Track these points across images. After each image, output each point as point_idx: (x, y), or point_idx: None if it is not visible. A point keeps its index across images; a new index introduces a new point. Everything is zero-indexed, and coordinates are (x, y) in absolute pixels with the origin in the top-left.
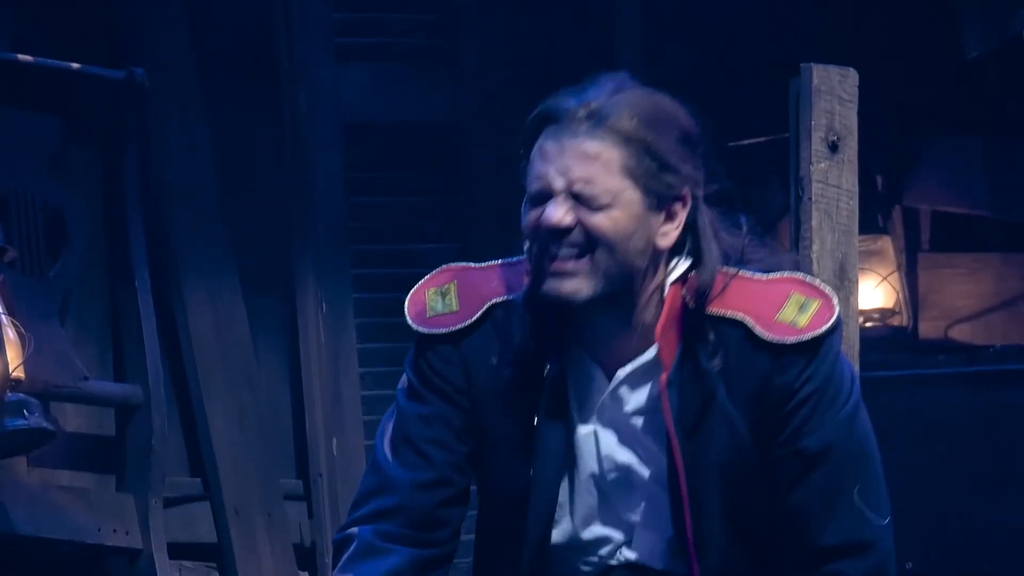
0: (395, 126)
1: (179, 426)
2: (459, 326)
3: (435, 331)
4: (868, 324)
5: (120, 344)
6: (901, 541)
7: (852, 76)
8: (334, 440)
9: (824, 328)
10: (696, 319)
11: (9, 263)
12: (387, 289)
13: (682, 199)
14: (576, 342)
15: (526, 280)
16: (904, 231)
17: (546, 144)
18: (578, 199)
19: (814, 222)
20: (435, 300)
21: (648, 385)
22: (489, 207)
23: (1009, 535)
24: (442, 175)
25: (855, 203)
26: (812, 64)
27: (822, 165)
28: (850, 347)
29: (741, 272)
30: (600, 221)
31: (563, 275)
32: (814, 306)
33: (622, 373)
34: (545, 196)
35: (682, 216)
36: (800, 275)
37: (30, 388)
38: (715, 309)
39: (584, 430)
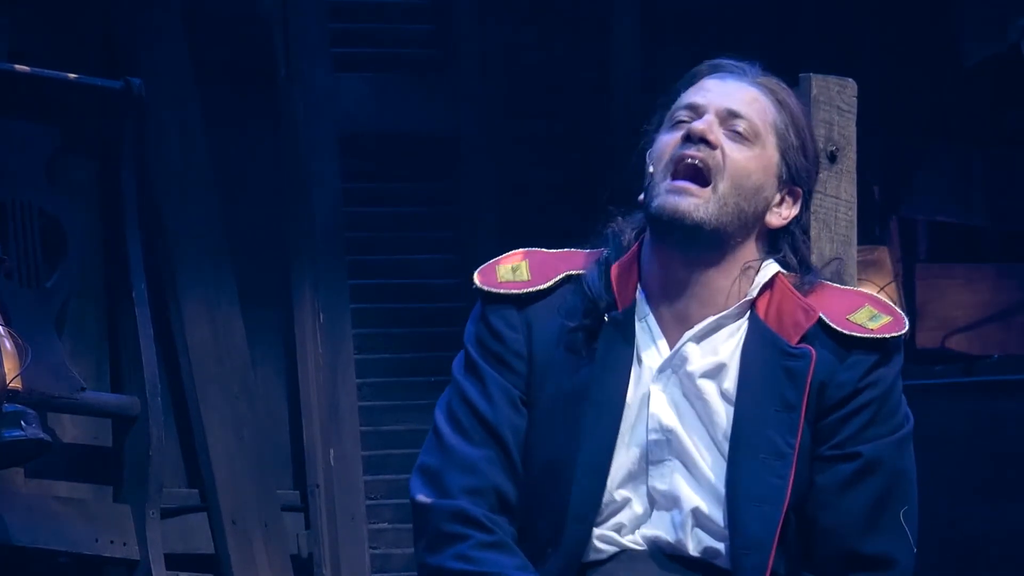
0: (392, 136)
1: (176, 437)
2: (529, 289)
3: (504, 291)
4: None
5: (117, 355)
6: None
7: (851, 86)
8: (331, 451)
9: (894, 334)
10: (791, 300)
11: (6, 274)
12: (384, 300)
13: (799, 193)
14: (646, 299)
15: (598, 259)
16: (901, 241)
17: (708, 81)
18: (728, 124)
19: (812, 232)
20: (506, 271)
21: (716, 350)
22: (487, 217)
23: (1006, 545)
24: (440, 185)
25: (853, 213)
26: (810, 74)
27: (820, 175)
28: None
29: (821, 280)
30: (738, 151)
31: (684, 193)
32: (885, 319)
33: (691, 332)
34: (696, 111)
35: (794, 208)
36: (876, 295)
37: (27, 399)
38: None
39: (638, 391)
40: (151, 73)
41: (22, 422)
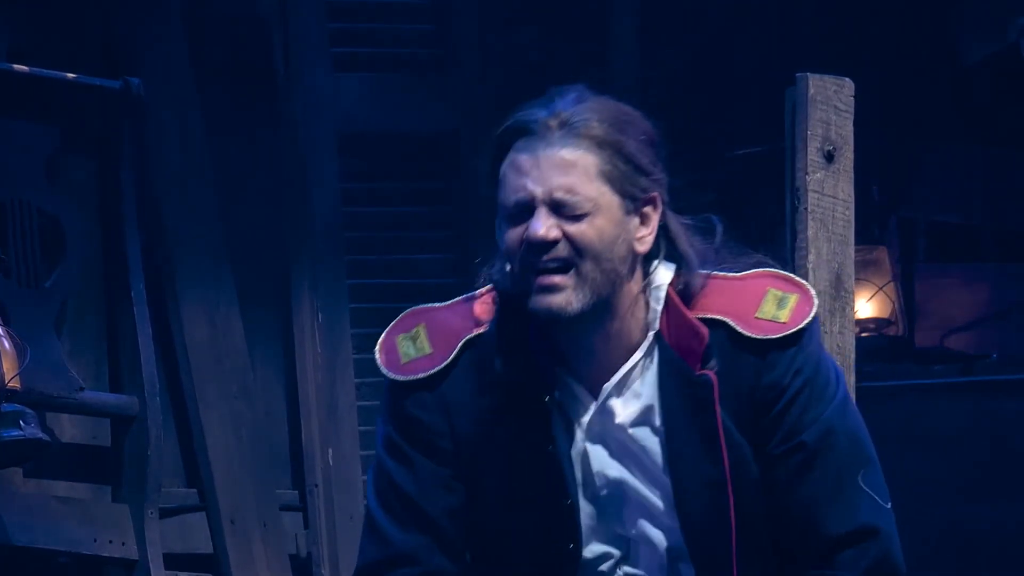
0: (391, 136)
1: (175, 437)
2: (436, 369)
3: (412, 377)
4: (864, 334)
5: (116, 354)
6: None
7: (848, 86)
8: (330, 450)
9: (807, 320)
10: (684, 321)
11: (5, 273)
12: (383, 299)
13: (653, 201)
14: (556, 364)
15: (495, 312)
16: (900, 241)
17: (519, 157)
18: (559, 210)
19: (810, 232)
20: (406, 345)
21: (638, 395)
22: (486, 217)
23: (1005, 544)
24: (438, 185)
25: (851, 213)
26: (808, 74)
27: (818, 175)
28: (846, 357)
29: (715, 273)
30: (584, 230)
31: (551, 289)
32: (792, 300)
33: (609, 385)
34: (525, 209)
35: (655, 220)
36: (773, 270)
37: (26, 398)
38: (697, 313)
39: (574, 450)
40: (151, 73)
41: (21, 422)
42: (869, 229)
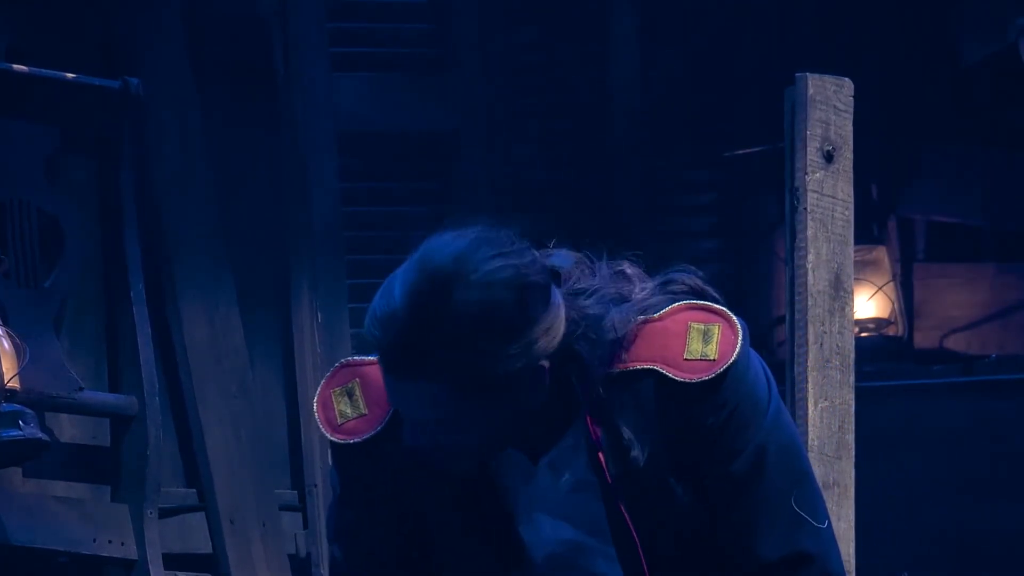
0: (391, 135)
1: (174, 437)
2: (371, 433)
3: (349, 441)
4: (863, 334)
5: (115, 354)
6: (896, 550)
7: (847, 86)
8: (329, 451)
9: (736, 354)
10: (604, 389)
11: (4, 273)
12: None
13: (532, 372)
14: None
15: None
16: (899, 241)
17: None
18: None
19: (809, 232)
20: (343, 402)
21: (574, 464)
22: (486, 217)
23: (1004, 544)
24: (438, 184)
25: (850, 213)
26: (807, 74)
27: (817, 175)
28: (846, 357)
29: (635, 318)
30: (465, 443)
31: (450, 460)
32: (716, 331)
33: (546, 459)
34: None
35: (543, 374)
36: (689, 300)
37: (25, 399)
38: (628, 365)
39: (519, 511)
40: (150, 73)
41: (20, 422)
42: (868, 229)
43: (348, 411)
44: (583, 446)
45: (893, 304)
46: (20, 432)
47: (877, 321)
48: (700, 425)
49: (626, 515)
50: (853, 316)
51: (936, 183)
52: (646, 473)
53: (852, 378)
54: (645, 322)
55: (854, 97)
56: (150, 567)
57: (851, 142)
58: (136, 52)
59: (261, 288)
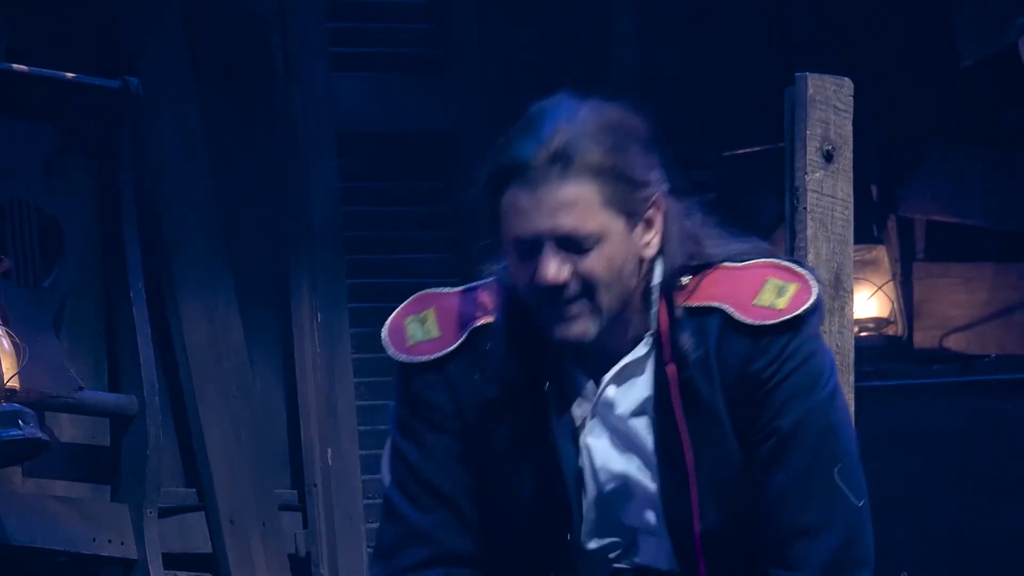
0: (391, 135)
1: (174, 436)
2: (442, 352)
3: (418, 359)
4: (863, 334)
5: (115, 354)
6: (896, 550)
7: (847, 86)
8: (329, 450)
9: (804, 308)
10: (673, 313)
11: (4, 273)
12: (382, 299)
13: (656, 204)
14: (561, 355)
15: (500, 300)
16: (899, 241)
17: (518, 198)
18: (566, 246)
19: (809, 232)
20: (414, 328)
21: (637, 386)
22: (485, 217)
23: (1004, 544)
24: (438, 184)
25: (850, 213)
26: (807, 74)
27: (817, 175)
28: (845, 356)
29: (715, 263)
30: (594, 264)
31: (568, 320)
32: (792, 289)
33: (608, 376)
34: (531, 247)
35: (659, 220)
36: (775, 260)
37: (25, 398)
38: (693, 302)
39: (580, 443)
40: (150, 72)
41: (20, 421)
42: (868, 229)
43: (419, 335)
44: (648, 371)
45: (893, 304)
46: (20, 432)
47: (877, 321)
48: (756, 378)
49: (686, 446)
50: (853, 316)
51: (936, 183)
52: (706, 409)
53: (852, 378)
54: (727, 267)
55: (854, 97)
56: (150, 567)
57: (851, 142)
58: (135, 52)
59: (261, 288)
